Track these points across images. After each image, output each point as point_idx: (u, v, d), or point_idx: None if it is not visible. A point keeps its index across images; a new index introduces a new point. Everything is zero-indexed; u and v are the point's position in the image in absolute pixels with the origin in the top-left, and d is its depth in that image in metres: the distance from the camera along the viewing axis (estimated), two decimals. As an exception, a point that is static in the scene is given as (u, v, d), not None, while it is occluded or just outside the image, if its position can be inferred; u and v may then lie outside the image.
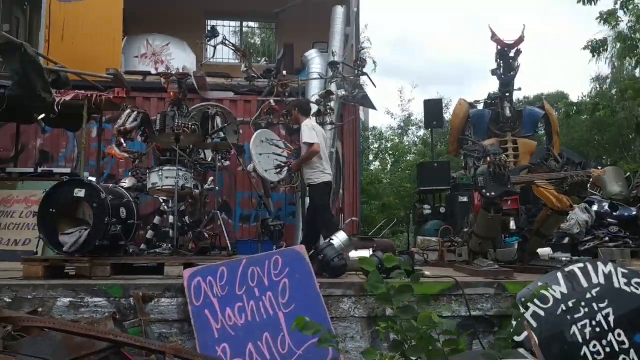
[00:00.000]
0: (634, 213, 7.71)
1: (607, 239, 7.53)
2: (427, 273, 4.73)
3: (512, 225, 5.63)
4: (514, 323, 3.87)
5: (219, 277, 4.00)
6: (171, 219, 4.94)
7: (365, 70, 7.80)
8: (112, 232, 4.24)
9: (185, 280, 3.96)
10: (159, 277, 4.30)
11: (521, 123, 5.86)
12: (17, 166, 7.04)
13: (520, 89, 6.10)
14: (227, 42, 8.14)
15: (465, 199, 7.14)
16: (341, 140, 9.19)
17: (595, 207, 8.07)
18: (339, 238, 4.66)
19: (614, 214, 7.90)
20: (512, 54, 5.73)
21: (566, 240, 7.76)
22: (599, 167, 5.23)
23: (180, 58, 9.99)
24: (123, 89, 6.90)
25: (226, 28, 13.14)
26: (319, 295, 3.98)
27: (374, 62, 22.54)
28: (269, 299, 3.95)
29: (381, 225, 6.74)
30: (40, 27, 8.69)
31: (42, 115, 6.65)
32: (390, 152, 18.28)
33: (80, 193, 4.22)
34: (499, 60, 5.77)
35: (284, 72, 7.58)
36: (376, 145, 20.45)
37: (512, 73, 5.78)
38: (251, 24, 14.08)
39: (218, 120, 5.65)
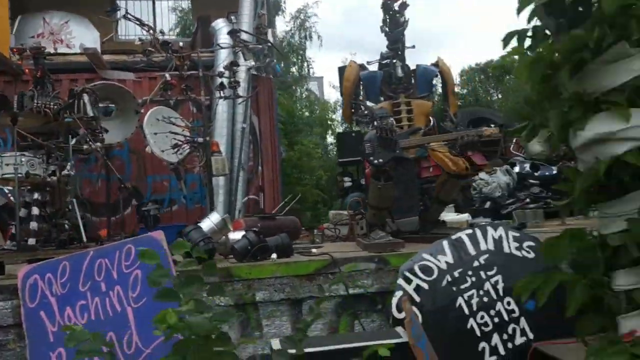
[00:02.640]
0: (555, 172, 7.51)
1: (527, 200, 7.33)
2: (313, 251, 4.35)
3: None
4: (395, 299, 3.57)
5: (60, 274, 3.51)
6: (33, 210, 4.40)
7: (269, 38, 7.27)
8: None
9: (20, 279, 3.46)
10: (-1, 277, 3.81)
11: (415, 83, 5.47)
12: None
13: (414, 47, 5.67)
14: (129, 15, 7.53)
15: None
16: (257, 113, 8.71)
17: (516, 169, 7.85)
18: (211, 219, 4.21)
19: (535, 174, 7.70)
20: (396, 7, 5.31)
21: (488, 205, 7.54)
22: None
23: (81, 36, 9.24)
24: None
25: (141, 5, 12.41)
26: (176, 286, 3.54)
27: (319, 37, 22.28)
28: (116, 293, 3.48)
29: (285, 201, 6.32)
30: None
31: None
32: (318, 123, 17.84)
33: None
34: (385, 16, 5.35)
35: (181, 44, 7.00)
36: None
37: (399, 29, 5.35)
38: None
39: (85, 98, 5.09)
